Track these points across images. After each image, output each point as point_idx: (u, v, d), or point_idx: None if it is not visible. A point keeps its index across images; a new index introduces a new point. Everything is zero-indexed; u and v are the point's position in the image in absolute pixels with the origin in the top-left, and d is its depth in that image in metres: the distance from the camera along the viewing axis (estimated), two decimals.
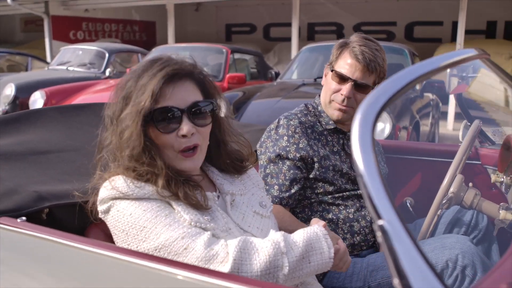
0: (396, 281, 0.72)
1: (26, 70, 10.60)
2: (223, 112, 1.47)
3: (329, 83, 1.99)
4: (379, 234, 0.74)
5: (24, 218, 1.34)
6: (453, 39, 11.10)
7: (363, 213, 1.95)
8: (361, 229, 1.93)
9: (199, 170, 1.44)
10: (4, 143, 1.90)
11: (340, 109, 1.96)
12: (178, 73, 1.33)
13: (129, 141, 1.29)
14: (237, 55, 7.75)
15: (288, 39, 12.02)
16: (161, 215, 1.24)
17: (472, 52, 1.27)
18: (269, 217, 1.51)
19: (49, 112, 2.28)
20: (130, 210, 1.25)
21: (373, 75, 1.94)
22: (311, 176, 1.92)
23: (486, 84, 2.10)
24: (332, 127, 2.01)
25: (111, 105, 1.37)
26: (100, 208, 1.32)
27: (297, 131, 1.91)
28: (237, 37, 16.56)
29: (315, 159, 1.91)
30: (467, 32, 8.53)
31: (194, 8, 16.68)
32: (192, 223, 1.24)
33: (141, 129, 1.28)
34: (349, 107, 1.95)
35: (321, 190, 1.93)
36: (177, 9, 11.82)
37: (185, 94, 1.33)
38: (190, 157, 1.34)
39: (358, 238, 1.93)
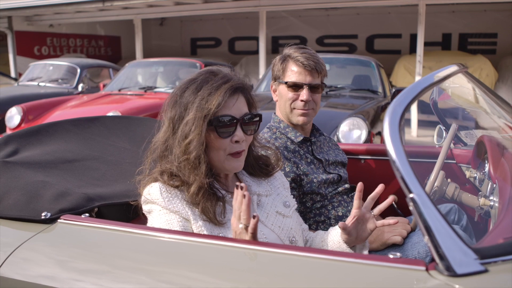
0: (426, 238, 0.99)
1: None
2: None
3: (284, 95, 2.20)
4: (411, 204, 1.01)
5: (87, 214, 1.54)
6: (412, 50, 11.68)
7: (349, 208, 2.18)
8: None
9: (231, 179, 1.64)
10: (35, 153, 2.08)
11: (303, 113, 2.18)
12: (239, 87, 1.53)
13: (190, 144, 1.47)
14: None
15: (253, 52, 12.32)
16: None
17: (455, 67, 1.56)
18: (291, 216, 1.70)
19: (64, 124, 2.45)
20: (155, 221, 1.48)
21: (320, 75, 2.19)
22: (300, 192, 2.13)
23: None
24: (301, 138, 2.22)
25: (171, 109, 1.54)
26: (144, 207, 1.55)
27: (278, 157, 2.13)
28: (202, 51, 16.75)
29: (302, 177, 2.13)
30: (425, 44, 8.97)
31: (159, 22, 16.82)
32: None
33: (203, 133, 1.47)
34: (310, 109, 2.19)
35: (310, 202, 2.15)
36: (142, 23, 11.95)
37: (240, 106, 1.53)
38: (237, 158, 1.54)
39: None
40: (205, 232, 1.45)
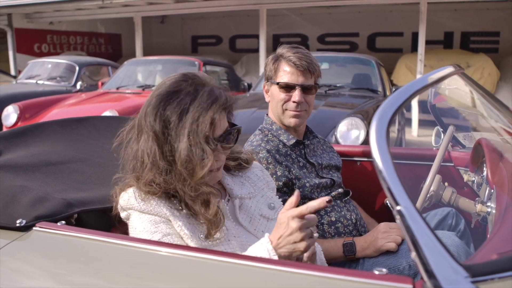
0: (413, 254, 0.92)
1: None
2: None
3: (276, 95, 2.13)
4: (398, 217, 0.94)
5: (63, 222, 1.47)
6: (413, 49, 11.59)
7: (343, 213, 2.12)
8: (345, 228, 2.10)
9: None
10: (18, 156, 2.01)
11: (295, 115, 2.11)
12: (226, 108, 1.43)
13: (188, 163, 1.35)
14: (208, 67, 7.91)
15: (254, 51, 12.24)
16: (159, 231, 1.38)
17: (451, 68, 1.49)
18: (276, 219, 1.56)
19: (51, 125, 2.39)
20: (136, 223, 1.42)
21: (313, 76, 2.12)
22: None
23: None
24: (294, 141, 2.15)
25: (154, 122, 1.38)
26: (121, 215, 1.49)
27: (269, 161, 2.04)
28: (203, 48, 16.69)
29: (294, 181, 2.06)
30: (426, 42, 8.91)
31: (160, 20, 16.75)
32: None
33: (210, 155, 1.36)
34: (303, 111, 2.12)
35: None
36: (143, 21, 11.90)
37: (224, 123, 1.43)
38: (215, 172, 1.45)
39: (344, 237, 2.10)
40: (186, 232, 1.39)
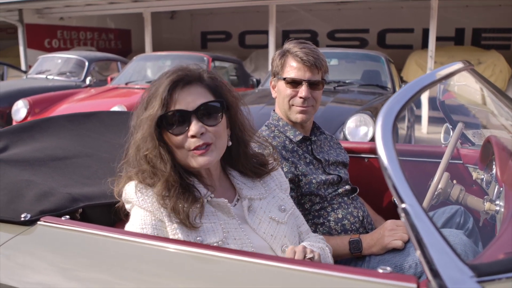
0: (418, 252, 0.90)
1: (2, 78, 10.54)
2: (243, 113, 1.55)
3: (283, 91, 2.11)
4: (402, 215, 0.92)
5: (68, 216, 1.47)
6: (424, 45, 11.51)
7: (349, 210, 2.10)
8: (352, 225, 2.08)
9: (218, 178, 1.53)
10: (25, 150, 2.02)
11: (302, 111, 2.09)
12: (183, 79, 1.44)
13: (144, 143, 1.42)
14: (217, 63, 7.89)
15: (263, 46, 12.21)
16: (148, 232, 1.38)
17: (460, 64, 1.46)
18: (286, 223, 1.57)
19: (58, 120, 2.39)
20: (133, 219, 1.42)
21: (320, 71, 2.10)
22: (298, 193, 2.05)
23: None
24: (300, 137, 2.12)
25: (135, 115, 1.49)
26: (126, 206, 1.49)
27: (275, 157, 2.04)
28: (213, 44, 16.68)
29: (300, 177, 2.04)
30: (437, 39, 8.82)
31: (169, 16, 16.76)
32: None
33: (155, 133, 1.41)
34: (309, 107, 2.10)
35: (309, 203, 2.07)
36: (153, 17, 11.90)
37: (194, 97, 1.43)
38: (202, 154, 1.41)
39: (351, 234, 2.09)
40: (180, 235, 1.36)
